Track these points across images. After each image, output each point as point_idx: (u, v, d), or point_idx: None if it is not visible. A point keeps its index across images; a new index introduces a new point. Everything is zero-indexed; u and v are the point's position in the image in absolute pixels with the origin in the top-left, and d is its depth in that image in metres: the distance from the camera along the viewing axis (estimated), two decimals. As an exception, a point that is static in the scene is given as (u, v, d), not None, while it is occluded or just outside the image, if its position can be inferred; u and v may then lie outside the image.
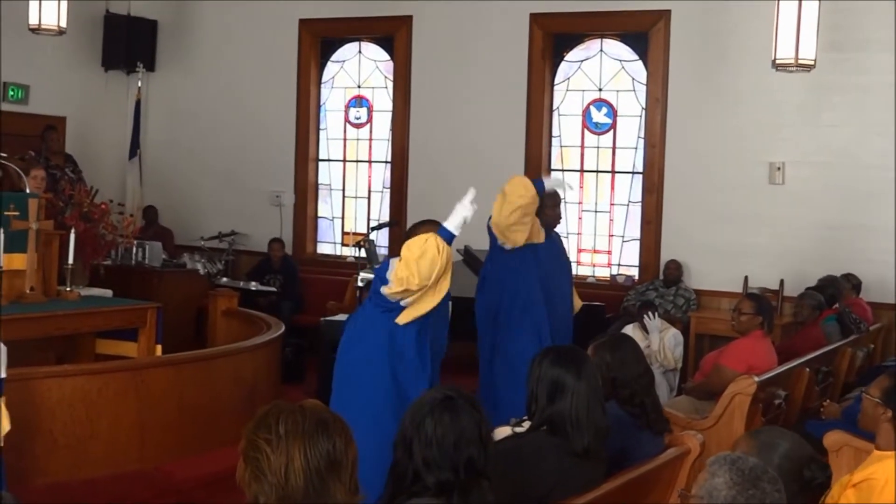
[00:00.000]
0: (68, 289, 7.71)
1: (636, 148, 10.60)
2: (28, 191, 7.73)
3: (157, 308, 7.68)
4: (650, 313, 8.04)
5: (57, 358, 7.62)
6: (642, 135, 10.52)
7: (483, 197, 10.82)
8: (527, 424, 3.86)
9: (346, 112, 12.07)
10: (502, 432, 3.88)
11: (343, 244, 12.05)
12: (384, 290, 5.19)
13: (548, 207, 6.83)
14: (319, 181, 12.21)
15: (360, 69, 11.97)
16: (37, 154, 10.14)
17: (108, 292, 8.36)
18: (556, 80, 10.89)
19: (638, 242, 10.56)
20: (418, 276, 5.06)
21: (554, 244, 7.08)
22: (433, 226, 5.44)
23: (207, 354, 7.42)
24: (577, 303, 7.30)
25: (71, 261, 7.73)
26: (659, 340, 7.89)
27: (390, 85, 11.68)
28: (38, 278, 7.45)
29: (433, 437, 2.99)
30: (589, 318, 8.57)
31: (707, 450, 4.47)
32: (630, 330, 8.05)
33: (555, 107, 10.92)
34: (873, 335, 8.76)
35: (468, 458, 3.00)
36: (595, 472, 3.81)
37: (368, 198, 11.97)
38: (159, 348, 7.57)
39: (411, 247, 5.14)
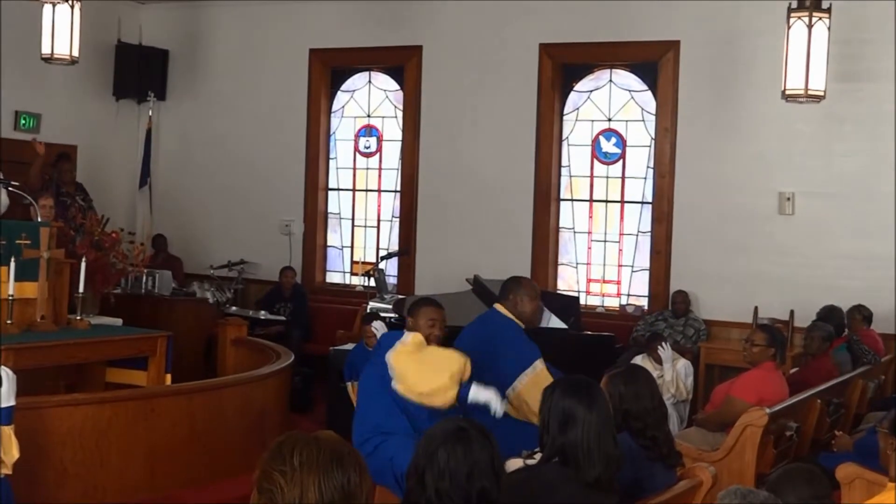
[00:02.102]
0: (79, 317, 7.73)
1: (645, 178, 10.61)
2: (38, 219, 7.76)
3: (166, 337, 7.69)
4: (664, 343, 8.02)
5: (67, 386, 7.63)
6: (651, 165, 10.53)
7: (493, 225, 10.91)
8: (538, 456, 3.85)
9: (356, 141, 12.10)
10: (514, 464, 3.87)
11: (352, 273, 12.06)
12: (390, 370, 5.33)
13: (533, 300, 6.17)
14: (329, 210, 12.23)
15: (369, 99, 12.02)
16: (48, 182, 10.17)
17: (118, 321, 8.36)
18: (566, 110, 10.92)
19: (647, 272, 10.55)
20: (417, 397, 5.25)
21: None
22: (430, 307, 5.51)
23: (217, 384, 7.43)
24: None
25: (81, 289, 7.74)
26: (672, 371, 7.87)
27: (400, 114, 11.72)
28: (49, 307, 7.46)
29: (446, 469, 2.98)
30: (598, 349, 8.58)
31: (719, 482, 4.45)
32: (639, 361, 8.03)
33: (564, 136, 10.94)
34: (884, 366, 8.73)
35: (481, 490, 2.99)
36: (607, 502, 3.79)
37: (378, 227, 11.99)
38: (169, 377, 7.58)
39: (425, 379, 5.27)
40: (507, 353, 5.88)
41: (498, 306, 6.07)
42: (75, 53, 9.14)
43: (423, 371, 5.27)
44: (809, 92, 7.42)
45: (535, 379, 5.70)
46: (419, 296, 5.48)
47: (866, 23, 9.35)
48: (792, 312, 9.51)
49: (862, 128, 9.56)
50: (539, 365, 5.84)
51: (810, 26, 7.35)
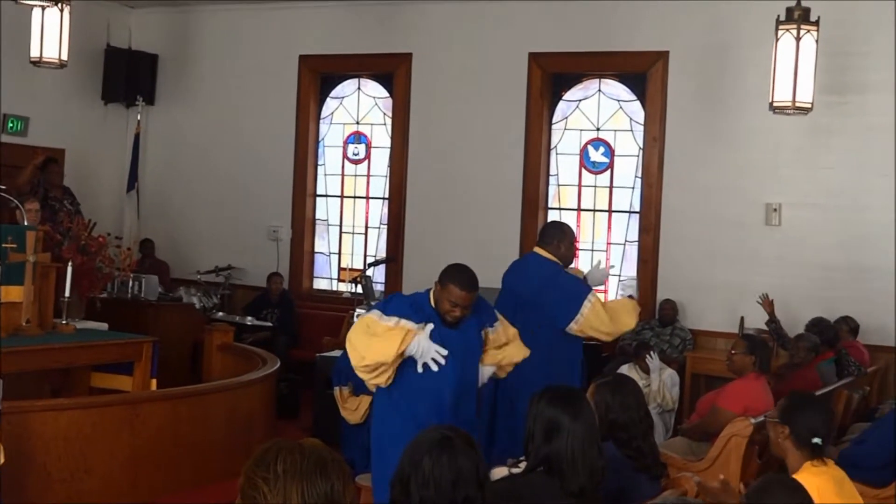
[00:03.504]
0: (64, 322, 7.70)
1: (633, 187, 10.64)
2: (25, 223, 7.74)
3: (152, 342, 7.67)
4: (651, 353, 8.04)
5: (52, 391, 7.62)
6: (639, 174, 10.55)
7: (480, 233, 10.92)
8: (524, 465, 3.85)
9: (345, 148, 12.10)
10: (499, 472, 3.87)
11: (340, 280, 12.06)
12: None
13: (573, 246, 6.76)
14: (317, 216, 12.23)
15: (359, 106, 12.02)
16: (36, 186, 10.14)
17: (104, 325, 8.35)
18: (554, 119, 10.94)
19: (634, 282, 10.55)
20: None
21: None
22: (458, 289, 5.10)
23: (202, 389, 7.42)
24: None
25: (67, 293, 7.72)
26: (659, 380, 7.88)
27: (389, 122, 11.73)
28: (35, 311, 7.44)
29: (430, 477, 2.99)
30: (585, 357, 8.58)
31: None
32: (626, 370, 8.06)
33: (553, 145, 10.96)
34: (869, 378, 8.76)
35: (465, 498, 3.00)
36: (591, 512, 3.80)
37: (365, 234, 11.99)
38: (154, 382, 7.56)
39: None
40: (557, 292, 6.34)
41: (538, 249, 6.56)
42: (64, 57, 9.12)
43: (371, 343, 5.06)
44: (797, 104, 7.43)
45: (593, 310, 6.26)
46: (457, 264, 5.19)
47: (854, 36, 9.39)
48: (767, 323, 9.52)
49: (849, 140, 9.59)
50: (592, 297, 6.31)
51: (798, 39, 7.37)
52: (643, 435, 4.29)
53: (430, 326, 5.02)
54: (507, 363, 5.48)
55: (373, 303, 10.37)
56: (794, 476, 3.86)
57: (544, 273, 6.45)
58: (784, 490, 3.41)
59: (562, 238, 6.55)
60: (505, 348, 5.43)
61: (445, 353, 4.99)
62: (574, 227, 10.61)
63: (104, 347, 7.58)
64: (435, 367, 5.00)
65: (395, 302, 5.20)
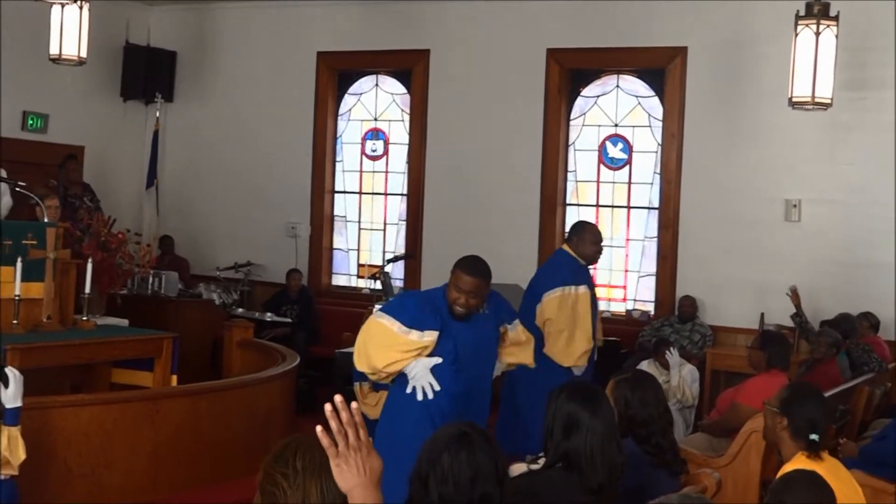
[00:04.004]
0: (85, 318, 7.73)
1: (652, 183, 10.61)
2: (45, 220, 7.77)
3: (172, 338, 7.69)
4: (671, 349, 8.03)
5: (73, 387, 7.65)
6: (658, 170, 10.53)
7: (499, 229, 10.91)
8: (542, 461, 3.85)
9: (363, 144, 12.12)
10: (518, 469, 3.88)
11: (358, 276, 12.07)
12: None
13: (590, 244, 6.93)
14: (335, 213, 12.24)
15: (376, 102, 12.03)
16: (56, 183, 10.19)
17: (125, 321, 8.37)
18: (573, 115, 10.92)
19: (654, 278, 10.54)
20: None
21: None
22: (465, 275, 5.16)
23: (222, 385, 7.44)
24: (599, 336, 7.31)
25: (88, 290, 7.74)
26: (678, 376, 7.87)
27: (407, 118, 11.73)
28: (55, 307, 7.47)
29: (449, 474, 2.98)
30: (604, 354, 8.57)
31: (724, 488, 4.46)
32: (646, 366, 8.05)
33: (571, 142, 10.94)
34: (891, 373, 8.71)
35: (484, 495, 2.99)
36: (610, 509, 3.80)
37: (384, 230, 12.00)
38: (174, 378, 7.58)
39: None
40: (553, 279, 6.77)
41: (564, 246, 7.03)
42: (83, 54, 9.17)
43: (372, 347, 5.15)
44: (816, 99, 7.41)
45: (561, 297, 6.62)
46: (471, 255, 5.29)
47: (874, 31, 9.34)
48: (792, 316, 9.48)
49: (868, 135, 9.55)
50: (568, 289, 6.61)
51: (818, 34, 7.35)
52: (662, 431, 4.28)
53: (436, 360, 5.06)
54: (515, 363, 5.56)
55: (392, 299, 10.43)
56: (786, 465, 3.85)
57: (548, 263, 7.23)
58: (808, 486, 3.40)
59: (579, 235, 6.91)
60: (518, 351, 5.50)
61: (438, 388, 5.04)
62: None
63: (124, 343, 7.60)
64: (420, 397, 5.05)
65: (409, 307, 5.23)
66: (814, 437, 4.03)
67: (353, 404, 2.47)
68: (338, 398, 2.45)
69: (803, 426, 4.05)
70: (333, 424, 2.42)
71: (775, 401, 4.17)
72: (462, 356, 5.11)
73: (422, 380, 5.04)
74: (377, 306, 5.43)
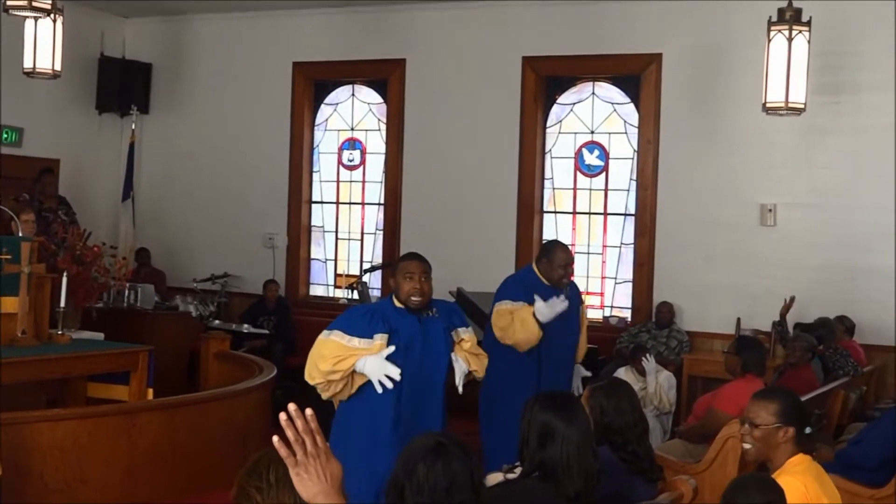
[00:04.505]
0: (60, 332, 7.68)
1: (628, 190, 10.65)
2: (20, 234, 7.73)
3: (148, 351, 7.65)
4: (647, 356, 8.05)
5: (48, 401, 7.59)
6: (634, 177, 10.56)
7: (476, 238, 10.92)
8: (518, 471, 3.85)
9: (340, 154, 12.11)
10: (494, 478, 3.87)
11: (336, 286, 12.05)
12: None
13: (557, 268, 6.81)
14: (312, 223, 12.23)
15: (353, 112, 12.03)
16: (30, 197, 10.14)
17: (100, 335, 8.32)
18: (549, 123, 10.95)
19: (630, 284, 10.58)
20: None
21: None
22: (408, 261, 5.40)
23: (199, 398, 7.39)
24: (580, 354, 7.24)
25: (63, 304, 7.70)
26: (655, 382, 7.89)
27: (383, 127, 11.73)
28: (30, 322, 7.41)
29: (425, 484, 2.98)
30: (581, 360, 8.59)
31: (700, 494, 4.47)
32: (623, 372, 8.07)
33: (547, 149, 10.97)
34: (866, 377, 8.77)
35: (460, 504, 2.99)
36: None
37: (361, 240, 11.99)
38: (151, 392, 7.54)
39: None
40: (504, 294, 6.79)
41: (533, 265, 6.98)
42: (58, 67, 9.11)
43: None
44: (790, 105, 7.44)
45: (496, 314, 6.65)
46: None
47: (846, 35, 9.41)
48: (774, 323, 9.53)
49: (842, 139, 9.61)
50: (514, 305, 6.60)
51: (790, 39, 7.38)
52: (638, 438, 4.29)
53: (389, 350, 5.06)
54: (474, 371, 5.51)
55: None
56: (782, 476, 3.84)
57: (513, 276, 7.34)
58: (758, 487, 3.47)
59: (548, 258, 6.82)
60: (473, 360, 5.45)
61: (398, 371, 5.01)
62: (569, 231, 10.70)
63: (100, 357, 7.55)
64: (380, 389, 5.03)
65: (355, 319, 5.26)
66: (808, 429, 4.05)
67: (308, 411, 2.44)
68: (291, 406, 2.41)
69: (802, 427, 4.02)
70: (290, 433, 2.39)
71: (771, 417, 4.00)
72: (410, 359, 5.13)
73: (378, 372, 5.02)
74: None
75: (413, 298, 5.19)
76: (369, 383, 5.10)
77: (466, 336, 5.43)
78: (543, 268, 6.80)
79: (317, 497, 2.37)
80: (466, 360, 5.35)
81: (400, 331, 5.16)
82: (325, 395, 5.22)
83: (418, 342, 5.22)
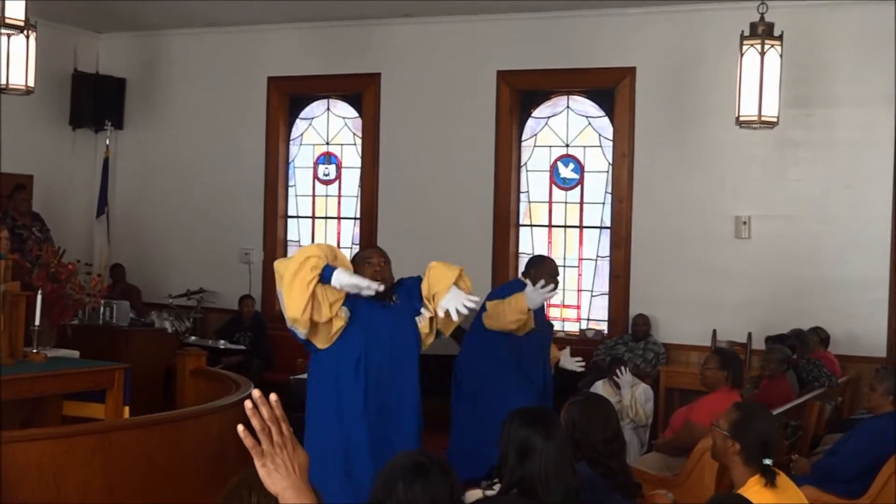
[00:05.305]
0: (35, 350, 7.63)
1: (604, 203, 10.68)
2: (-6, 252, 7.67)
3: (124, 369, 7.61)
4: (622, 368, 8.06)
5: (23, 420, 7.52)
6: (609, 190, 10.60)
7: (453, 251, 10.90)
8: (497, 487, 3.85)
9: (315, 169, 12.10)
10: (473, 495, 3.87)
11: (312, 301, 12.00)
12: None
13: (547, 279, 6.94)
14: (288, 238, 12.20)
15: (328, 126, 12.02)
16: (2, 213, 10.07)
17: (76, 353, 8.27)
18: (524, 137, 10.99)
19: (607, 297, 10.61)
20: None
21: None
22: (366, 249, 5.68)
23: (175, 416, 7.35)
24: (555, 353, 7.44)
25: (38, 322, 7.65)
26: (630, 395, 7.90)
27: (359, 142, 11.73)
28: (4, 340, 7.36)
29: (405, 502, 2.97)
30: (559, 372, 8.59)
31: (678, 508, 4.48)
32: (600, 385, 8.08)
33: (522, 163, 11.00)
34: (841, 388, 8.81)
35: (439, 523, 2.99)
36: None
37: (338, 254, 11.95)
38: (127, 410, 7.50)
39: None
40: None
41: (521, 278, 7.25)
42: (31, 83, 9.06)
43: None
44: (763, 118, 7.50)
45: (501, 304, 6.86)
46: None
47: (818, 49, 9.49)
48: (749, 335, 9.59)
49: (815, 152, 9.69)
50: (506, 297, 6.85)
51: (763, 53, 7.44)
52: (612, 454, 4.27)
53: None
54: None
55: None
56: (740, 491, 3.86)
57: (501, 287, 7.69)
58: None
59: (537, 269, 7.06)
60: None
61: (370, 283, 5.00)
62: (545, 244, 10.73)
63: (75, 376, 7.50)
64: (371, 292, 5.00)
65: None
66: (767, 461, 4.00)
67: (273, 397, 2.35)
68: (255, 392, 2.31)
69: (755, 450, 4.00)
70: (255, 422, 2.29)
71: (725, 423, 4.10)
72: (379, 346, 5.19)
73: (359, 280, 5.01)
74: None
75: (376, 278, 5.17)
76: (339, 363, 5.15)
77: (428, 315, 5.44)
78: (533, 279, 6.95)
79: (286, 491, 2.28)
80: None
81: (362, 315, 5.18)
82: (302, 331, 5.16)
83: (385, 331, 5.25)
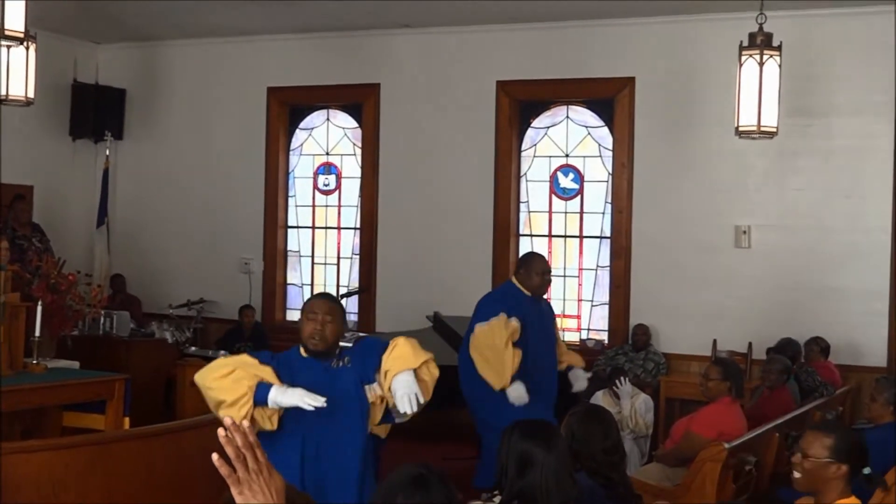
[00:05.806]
0: (35, 361, 7.63)
1: (603, 213, 10.69)
2: (-6, 263, 7.68)
3: (124, 380, 7.61)
4: (621, 379, 8.05)
5: (23, 432, 7.52)
6: (609, 200, 10.61)
7: (452, 261, 10.90)
8: (498, 499, 3.85)
9: (315, 179, 12.11)
10: (473, 507, 3.86)
11: (312, 311, 11.98)
12: None
13: (535, 275, 7.00)
14: (288, 248, 12.20)
15: (328, 136, 12.03)
16: (2, 224, 10.08)
17: (76, 364, 8.28)
18: (524, 147, 10.99)
19: (607, 307, 10.60)
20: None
21: (541, 310, 7.30)
22: (311, 300, 4.99)
23: (175, 427, 7.33)
24: (574, 359, 7.53)
25: (38, 333, 7.65)
26: (630, 406, 7.89)
27: (359, 152, 11.74)
28: (5, 351, 7.37)
29: (404, 516, 2.96)
30: (561, 383, 8.59)
31: (678, 519, 4.47)
32: (600, 396, 8.07)
33: (522, 173, 11.00)
34: (841, 398, 8.80)
35: (439, 536, 2.98)
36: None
37: (338, 264, 11.97)
38: (127, 420, 7.50)
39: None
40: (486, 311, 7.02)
41: (512, 278, 7.26)
42: (31, 94, 9.06)
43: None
44: (762, 128, 7.49)
45: (488, 328, 6.85)
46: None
47: (817, 59, 9.51)
48: (750, 345, 9.58)
49: (815, 161, 9.70)
50: (493, 320, 6.82)
51: (761, 64, 7.43)
52: (611, 465, 4.27)
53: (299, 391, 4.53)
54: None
55: (346, 334, 10.40)
56: None
57: (493, 292, 7.80)
58: None
59: (526, 267, 7.13)
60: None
61: (322, 399, 4.47)
62: (546, 254, 10.71)
63: (75, 387, 7.51)
64: (319, 402, 4.47)
65: (264, 356, 4.85)
66: (867, 470, 3.98)
67: (245, 423, 2.32)
68: (227, 420, 2.29)
69: (858, 464, 3.95)
70: (230, 450, 2.26)
71: (821, 450, 3.92)
72: (313, 414, 4.54)
73: (300, 398, 4.48)
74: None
75: (312, 341, 4.72)
76: (275, 438, 4.62)
77: (377, 389, 4.79)
78: (522, 278, 7.06)
79: None
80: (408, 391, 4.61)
81: (299, 382, 4.60)
82: (239, 415, 4.47)
83: (322, 395, 4.53)
